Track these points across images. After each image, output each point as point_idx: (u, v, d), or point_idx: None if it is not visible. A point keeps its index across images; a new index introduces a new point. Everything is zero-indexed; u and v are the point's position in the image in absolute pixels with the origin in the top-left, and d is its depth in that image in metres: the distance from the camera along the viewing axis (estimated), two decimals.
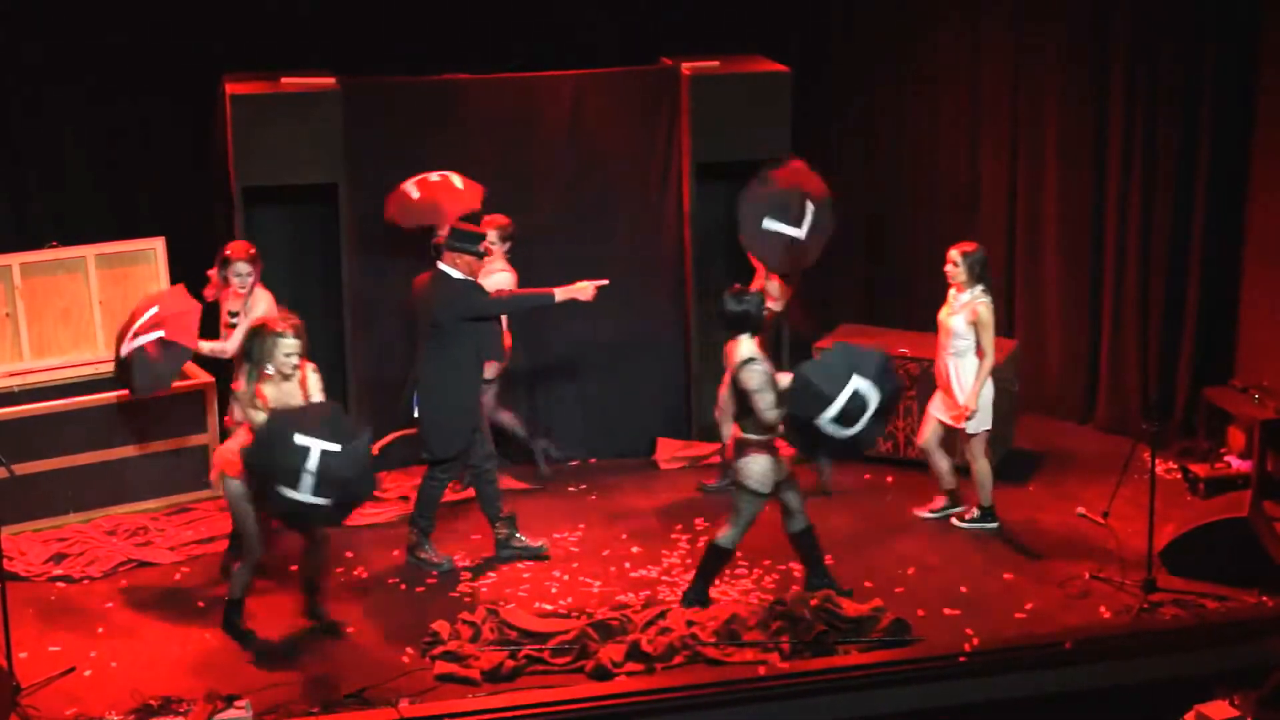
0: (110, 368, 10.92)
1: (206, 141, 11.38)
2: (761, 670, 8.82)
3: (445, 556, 10.17)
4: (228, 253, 9.98)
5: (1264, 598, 9.51)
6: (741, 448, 9.25)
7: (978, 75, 12.31)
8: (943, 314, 10.41)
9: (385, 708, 8.48)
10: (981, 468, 10.47)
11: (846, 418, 8.98)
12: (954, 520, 10.59)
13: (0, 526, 9.46)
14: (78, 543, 10.33)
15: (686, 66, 11.43)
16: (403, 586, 9.92)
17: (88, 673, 8.96)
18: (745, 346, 9.21)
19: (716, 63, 11.54)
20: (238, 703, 8.44)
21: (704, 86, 11.35)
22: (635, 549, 10.34)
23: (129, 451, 10.73)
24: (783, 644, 9.02)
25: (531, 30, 11.99)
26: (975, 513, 10.57)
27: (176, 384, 10.93)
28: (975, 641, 9.09)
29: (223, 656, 9.13)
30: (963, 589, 9.74)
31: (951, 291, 10.35)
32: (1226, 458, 11.08)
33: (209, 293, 10.13)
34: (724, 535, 9.40)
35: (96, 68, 11.47)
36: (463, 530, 10.58)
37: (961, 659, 8.92)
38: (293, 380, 9.03)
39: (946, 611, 9.48)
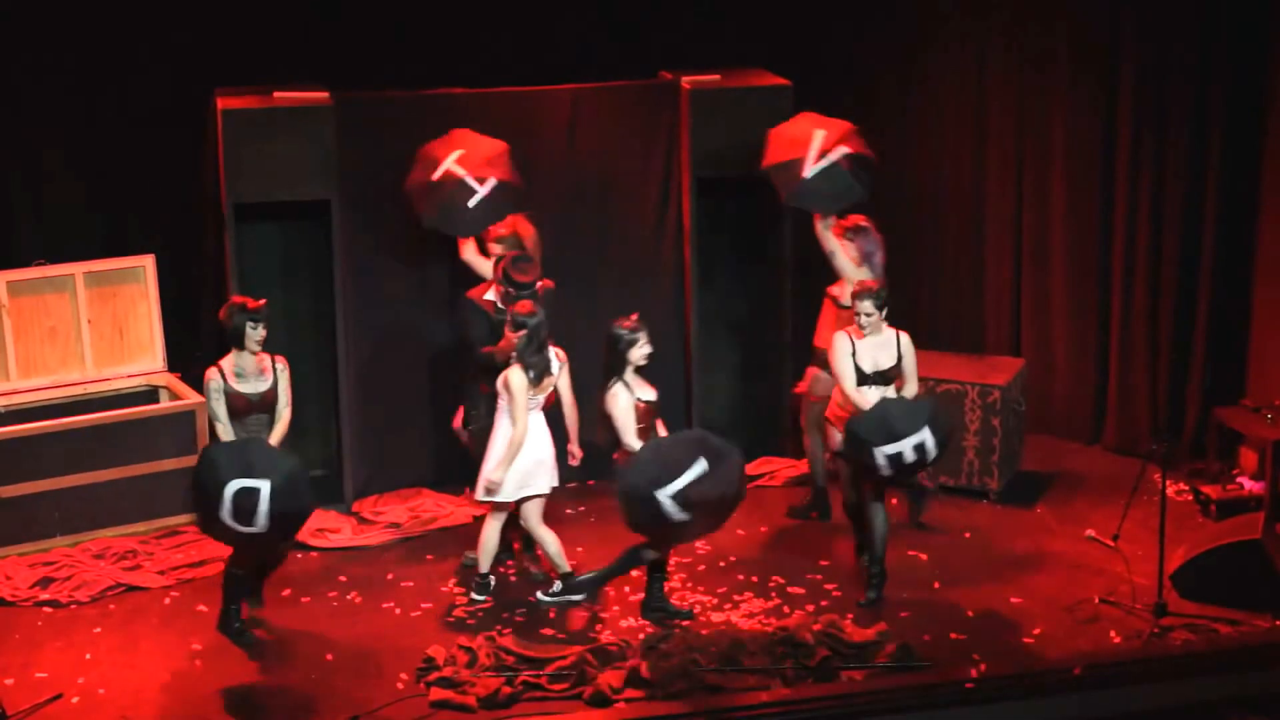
0: (97, 387, 10.83)
1: (198, 157, 11.24)
2: (764, 697, 8.74)
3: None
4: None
5: (1277, 622, 9.40)
6: None
7: (983, 91, 12.20)
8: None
9: None
10: (542, 536, 9.82)
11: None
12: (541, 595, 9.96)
13: None
14: (65, 566, 10.21)
15: (686, 80, 11.32)
16: (397, 611, 9.80)
17: (75, 699, 8.85)
18: None
19: (717, 76, 11.42)
20: None
21: (704, 100, 11.23)
22: (634, 572, 10.17)
23: (117, 474, 10.58)
24: (786, 670, 8.91)
25: (529, 43, 11.87)
26: (556, 585, 9.91)
27: (164, 405, 10.85)
28: (982, 667, 9.00)
29: (212, 683, 9.01)
30: (969, 613, 9.64)
31: None
32: (1239, 479, 10.97)
33: None
34: None
35: (86, 81, 11.38)
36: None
37: (968, 685, 8.85)
38: None
39: (953, 636, 9.38)
